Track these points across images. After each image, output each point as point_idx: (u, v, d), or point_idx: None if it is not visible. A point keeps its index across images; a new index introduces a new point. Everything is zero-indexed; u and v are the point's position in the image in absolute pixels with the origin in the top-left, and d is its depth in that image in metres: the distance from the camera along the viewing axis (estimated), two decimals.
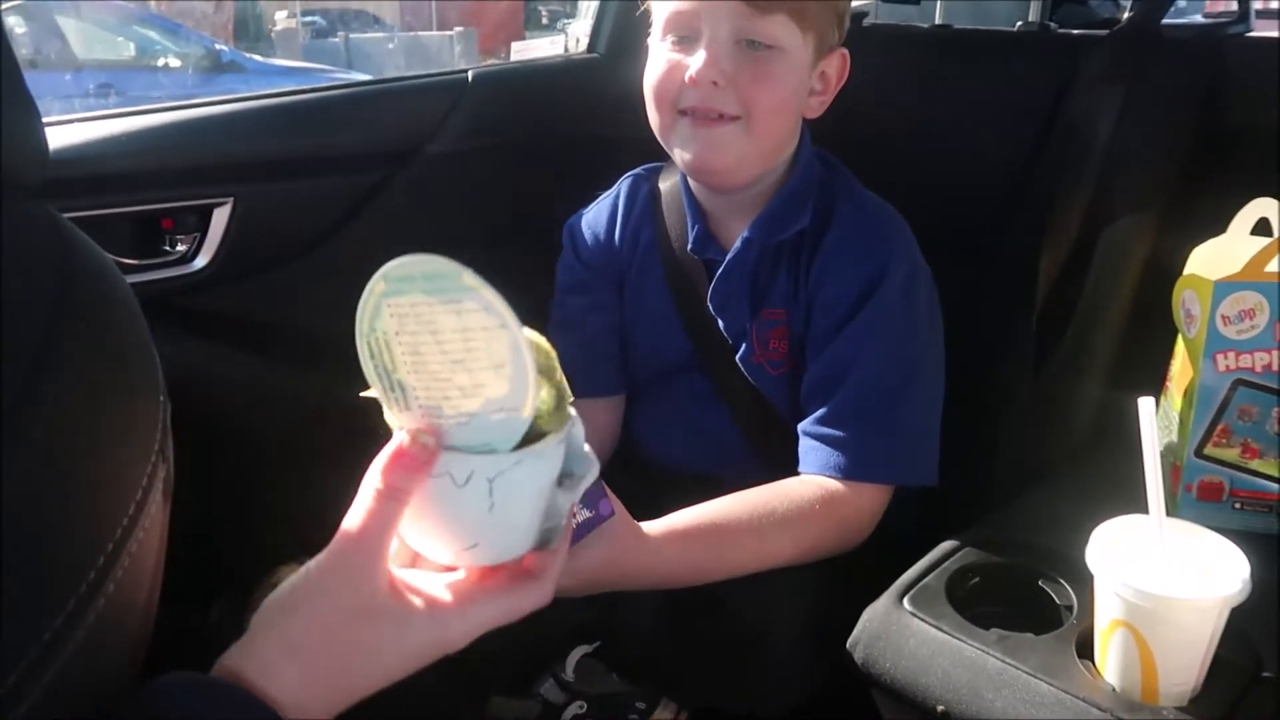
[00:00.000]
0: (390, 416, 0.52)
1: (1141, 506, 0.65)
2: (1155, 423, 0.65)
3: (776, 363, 0.99)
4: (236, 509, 1.08)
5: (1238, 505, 0.81)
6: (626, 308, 1.08)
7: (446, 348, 0.47)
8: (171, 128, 1.15)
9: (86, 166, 1.07)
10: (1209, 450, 0.81)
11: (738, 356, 1.00)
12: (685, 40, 0.92)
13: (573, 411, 0.55)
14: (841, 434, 0.90)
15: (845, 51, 0.98)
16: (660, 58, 0.94)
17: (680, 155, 0.96)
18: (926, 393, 0.95)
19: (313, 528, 0.78)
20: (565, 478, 0.55)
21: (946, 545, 0.80)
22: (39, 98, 0.52)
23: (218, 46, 8.26)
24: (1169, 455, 0.84)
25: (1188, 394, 0.82)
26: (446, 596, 0.53)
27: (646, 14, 0.97)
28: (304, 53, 12.10)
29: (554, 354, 0.55)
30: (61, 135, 1.07)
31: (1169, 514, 0.65)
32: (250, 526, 1.08)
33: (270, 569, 0.93)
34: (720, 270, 0.99)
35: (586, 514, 0.74)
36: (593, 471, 0.57)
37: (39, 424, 0.42)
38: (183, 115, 1.16)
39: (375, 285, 0.47)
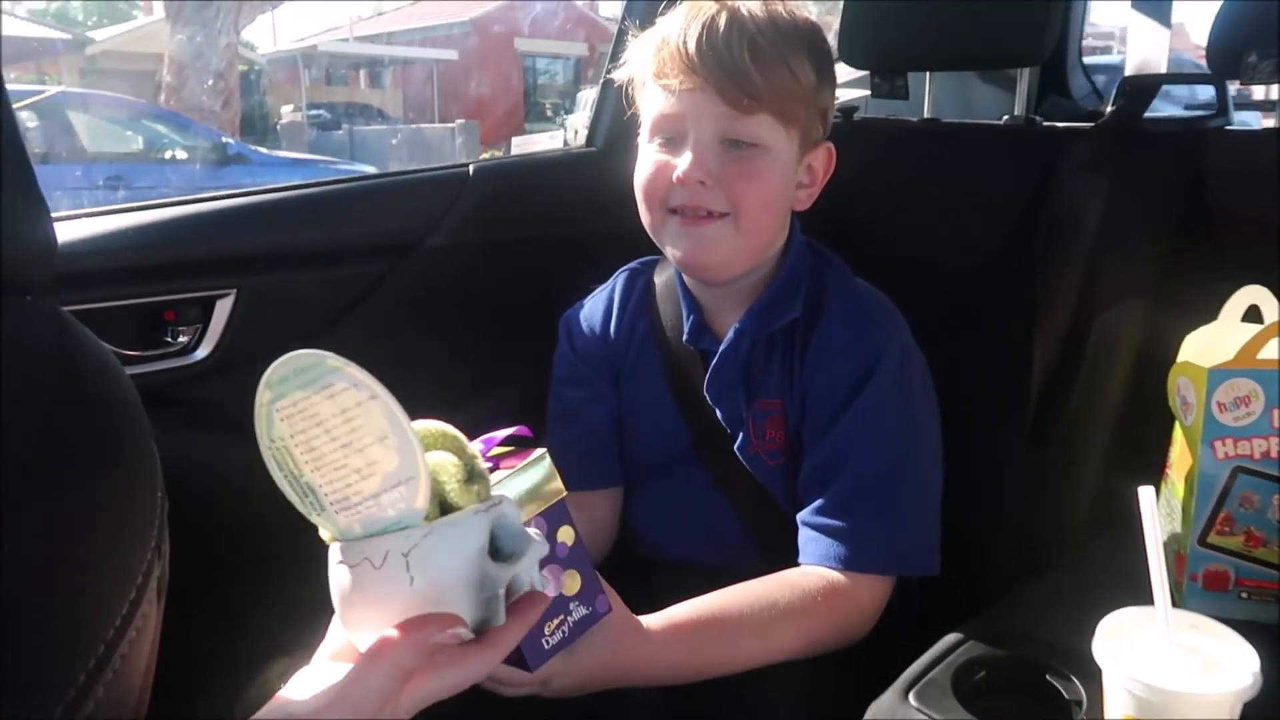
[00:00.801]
0: (321, 530, 0.53)
1: (1146, 594, 0.64)
2: (1156, 512, 0.65)
3: (774, 453, 0.99)
4: (228, 604, 1.06)
5: (1244, 595, 0.80)
6: (623, 399, 1.09)
7: (334, 434, 0.49)
8: (177, 222, 1.17)
9: (93, 260, 1.09)
10: (1212, 539, 0.80)
11: (735, 446, 1.00)
12: (672, 141, 0.94)
13: (502, 493, 0.56)
14: (841, 524, 0.90)
15: (830, 145, 1.00)
16: (648, 158, 0.96)
17: (672, 252, 0.98)
18: (924, 480, 0.94)
19: (305, 625, 0.77)
20: (501, 555, 0.55)
21: (951, 638, 0.78)
22: (50, 190, 0.53)
23: (224, 140, 8.47)
24: (1173, 544, 0.83)
25: (1188, 481, 0.81)
26: None
27: (636, 115, 1.00)
28: (309, 145, 12.41)
29: (461, 436, 0.56)
30: (69, 230, 1.09)
31: (1175, 604, 0.64)
32: (241, 622, 1.06)
33: (260, 666, 0.92)
34: (714, 361, 1.00)
35: (583, 610, 0.73)
36: (535, 550, 0.56)
37: (35, 522, 0.42)
38: (188, 210, 1.18)
39: (261, 395, 0.50)
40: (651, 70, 0.94)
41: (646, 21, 0.99)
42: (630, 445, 1.08)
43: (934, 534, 0.94)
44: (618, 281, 1.12)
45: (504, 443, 0.71)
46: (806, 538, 0.92)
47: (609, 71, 1.50)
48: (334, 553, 0.53)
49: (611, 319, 1.09)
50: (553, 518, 0.70)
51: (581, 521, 1.07)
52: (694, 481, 1.03)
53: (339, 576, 0.53)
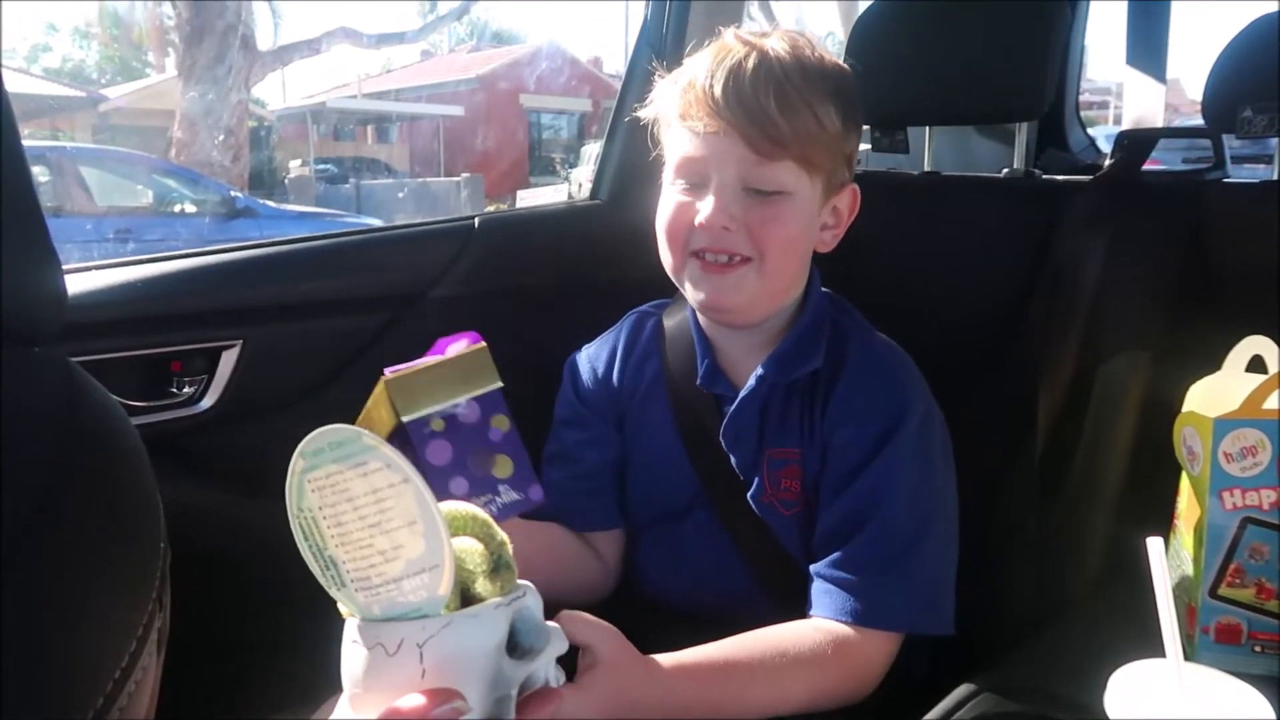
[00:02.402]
0: (340, 605, 0.52)
1: (1157, 646, 0.63)
2: (1166, 564, 0.64)
3: (789, 502, 0.98)
4: (230, 656, 1.05)
5: (1257, 648, 0.79)
6: (628, 445, 1.08)
7: (363, 513, 0.49)
8: (185, 274, 1.18)
9: (101, 311, 1.10)
10: (1223, 591, 0.79)
11: (749, 494, 0.99)
12: (696, 185, 0.94)
13: (526, 583, 0.55)
14: (857, 579, 0.89)
15: (855, 186, 1.00)
16: (671, 201, 0.96)
17: (694, 295, 0.97)
18: (942, 539, 0.93)
19: (308, 680, 0.76)
20: (519, 651, 0.54)
21: (961, 691, 0.77)
22: (61, 243, 0.54)
23: (233, 193, 8.57)
24: (1183, 596, 0.82)
25: (1197, 532, 0.80)
26: None
27: (648, 161, 1.00)
28: (317, 199, 12.56)
29: (491, 522, 0.55)
30: (79, 282, 1.10)
31: (1187, 657, 0.64)
32: (243, 674, 1.05)
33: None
34: (733, 407, 0.99)
35: (514, 495, 0.75)
36: (554, 646, 0.55)
37: (37, 571, 0.42)
38: (196, 262, 1.20)
39: (295, 464, 0.49)
40: (677, 111, 0.94)
41: (673, 63, 1.00)
42: (637, 491, 1.07)
43: (950, 593, 0.92)
44: (625, 325, 1.12)
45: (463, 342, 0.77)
46: (820, 590, 0.90)
47: (620, 113, 1.52)
48: (349, 630, 0.52)
49: (615, 363, 1.09)
50: (487, 404, 0.75)
51: (590, 558, 1.06)
52: (702, 529, 1.02)
53: (351, 656, 0.52)
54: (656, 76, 1.01)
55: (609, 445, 1.08)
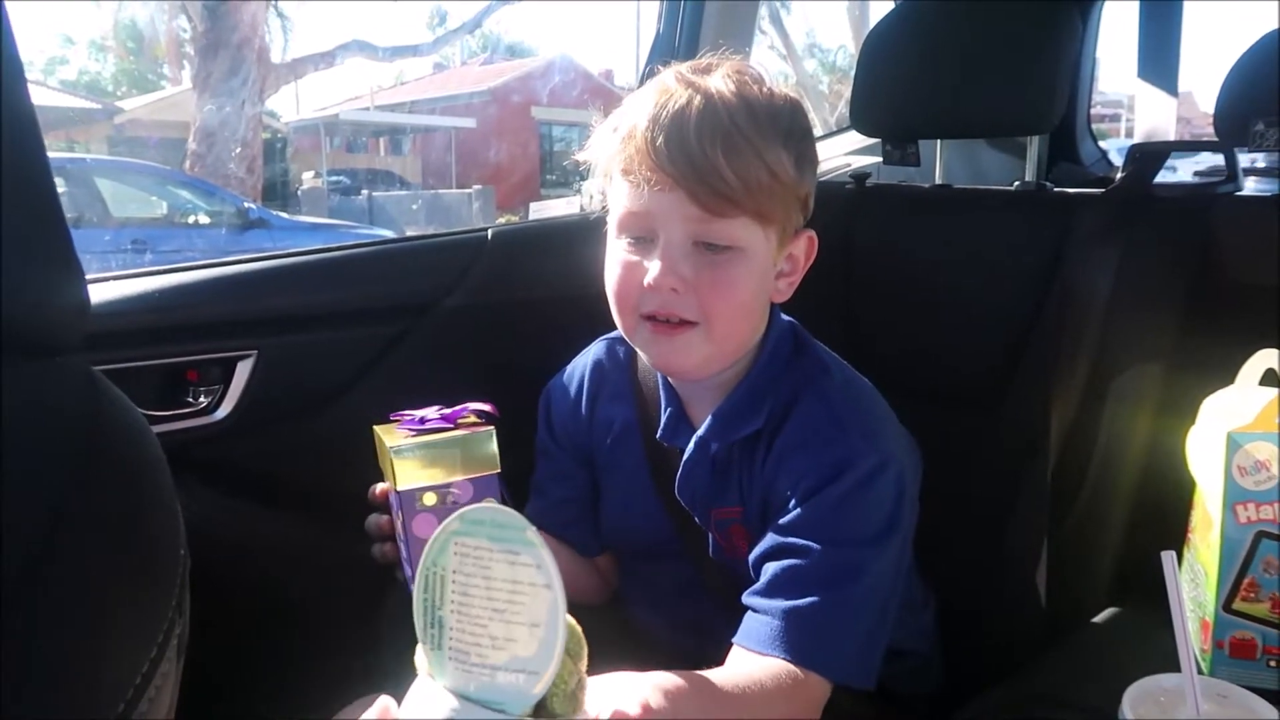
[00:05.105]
0: (420, 658, 0.53)
1: (1171, 659, 0.63)
2: (1180, 577, 0.64)
3: (744, 560, 0.92)
4: (246, 668, 1.05)
5: (1272, 663, 0.78)
6: (602, 482, 1.04)
7: (493, 595, 0.50)
8: (200, 284, 1.19)
9: (118, 321, 1.11)
10: (1238, 605, 0.79)
11: (710, 552, 0.96)
12: (641, 241, 0.88)
13: (586, 705, 0.55)
14: (773, 605, 0.84)
15: (812, 233, 0.94)
16: (617, 259, 0.89)
17: (645, 355, 0.94)
18: (869, 596, 0.85)
19: (324, 691, 0.76)
20: None
21: (976, 704, 0.77)
22: (78, 253, 0.54)
23: (247, 205, 8.63)
24: (1198, 610, 0.82)
25: (1211, 546, 0.80)
26: None
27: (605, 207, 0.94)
28: (330, 210, 12.62)
29: (584, 641, 0.55)
30: (96, 292, 1.11)
31: (1202, 672, 0.64)
32: (259, 687, 1.05)
33: None
34: (680, 469, 0.95)
35: None
36: None
37: (56, 580, 0.42)
38: (211, 273, 1.21)
39: (450, 523, 0.50)
40: (619, 165, 0.87)
41: None
42: (612, 528, 1.04)
43: (870, 646, 0.85)
44: (591, 356, 1.07)
45: (473, 413, 0.80)
46: (756, 622, 0.85)
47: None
48: (421, 688, 0.53)
49: (583, 398, 1.05)
50: (480, 487, 0.77)
51: (586, 566, 1.07)
52: (678, 574, 0.99)
53: (419, 711, 0.52)
54: (593, 122, 0.93)
55: (575, 480, 1.05)
